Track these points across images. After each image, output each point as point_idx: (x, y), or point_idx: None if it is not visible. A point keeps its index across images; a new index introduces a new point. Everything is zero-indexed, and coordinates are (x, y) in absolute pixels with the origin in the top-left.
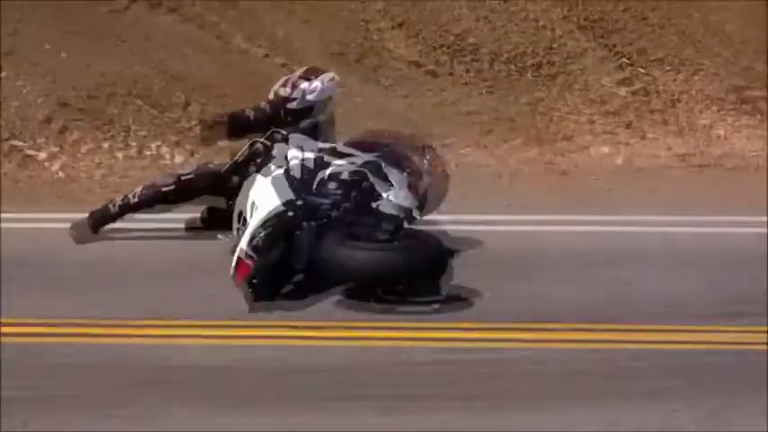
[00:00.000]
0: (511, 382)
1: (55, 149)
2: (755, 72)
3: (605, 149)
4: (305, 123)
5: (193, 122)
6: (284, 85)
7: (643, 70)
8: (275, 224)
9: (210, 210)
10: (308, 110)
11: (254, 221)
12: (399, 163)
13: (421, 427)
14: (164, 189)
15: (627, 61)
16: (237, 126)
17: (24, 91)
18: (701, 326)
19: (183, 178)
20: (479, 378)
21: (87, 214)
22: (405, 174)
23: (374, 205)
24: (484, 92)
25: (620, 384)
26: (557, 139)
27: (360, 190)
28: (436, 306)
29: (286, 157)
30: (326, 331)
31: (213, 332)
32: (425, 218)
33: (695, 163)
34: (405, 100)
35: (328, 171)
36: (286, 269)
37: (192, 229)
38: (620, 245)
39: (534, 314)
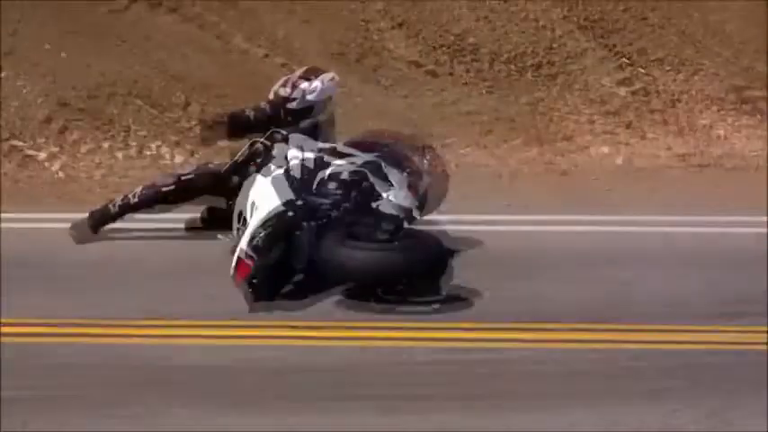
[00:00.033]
0: (511, 382)
1: (55, 149)
2: (755, 72)
3: (605, 149)
4: (305, 123)
5: (193, 122)
6: (284, 85)
7: (643, 70)
8: (275, 224)
9: (210, 210)
10: (307, 110)
11: (254, 221)
12: (399, 163)
13: (421, 427)
14: (164, 189)
15: (627, 61)
16: (237, 126)
17: (24, 91)
18: (701, 326)
19: (182, 178)
20: (479, 378)
21: (87, 214)
22: (405, 174)
23: (374, 205)
24: (484, 92)
25: (620, 384)
26: (557, 139)
27: (360, 190)
28: (436, 306)
29: (286, 157)
30: (326, 331)
31: (213, 332)
32: (425, 218)
33: (695, 163)
34: (405, 100)
35: (328, 171)
36: (286, 269)
37: (192, 229)
38: (620, 245)
39: (534, 314)
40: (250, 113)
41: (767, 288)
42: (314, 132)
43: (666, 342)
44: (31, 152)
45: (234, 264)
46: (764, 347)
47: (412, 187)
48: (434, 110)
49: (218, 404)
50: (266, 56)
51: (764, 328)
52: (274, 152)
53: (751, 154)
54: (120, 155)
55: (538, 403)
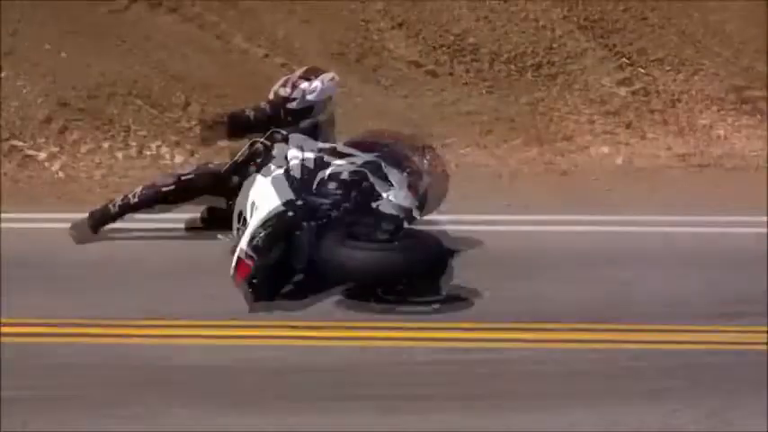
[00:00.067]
0: (511, 382)
1: (55, 149)
2: (755, 72)
3: (605, 149)
4: (305, 123)
5: (193, 122)
6: (284, 85)
7: (643, 70)
8: (275, 224)
9: (210, 210)
10: (308, 110)
11: (254, 221)
12: (399, 163)
13: (421, 427)
14: (164, 189)
15: (627, 61)
16: (237, 126)
17: (24, 91)
18: (701, 326)
19: (183, 178)
20: (479, 378)
21: (87, 214)
22: (405, 174)
23: (374, 205)
24: (484, 92)
25: (620, 384)
26: (557, 139)
27: (360, 190)
28: (436, 306)
29: (286, 157)
30: (326, 331)
31: (213, 332)
32: (425, 218)
33: (695, 163)
34: (405, 100)
35: (328, 171)
36: (286, 269)
37: (192, 229)
38: (620, 245)
39: (534, 314)
40: (250, 113)
41: (767, 288)
42: (314, 132)
43: (666, 342)
44: (31, 152)
45: (234, 264)
46: (764, 347)
47: (412, 187)
48: (434, 110)
49: (218, 404)
50: (266, 56)
51: (764, 328)
52: (274, 152)
53: (751, 154)
54: (120, 155)
55: (538, 403)
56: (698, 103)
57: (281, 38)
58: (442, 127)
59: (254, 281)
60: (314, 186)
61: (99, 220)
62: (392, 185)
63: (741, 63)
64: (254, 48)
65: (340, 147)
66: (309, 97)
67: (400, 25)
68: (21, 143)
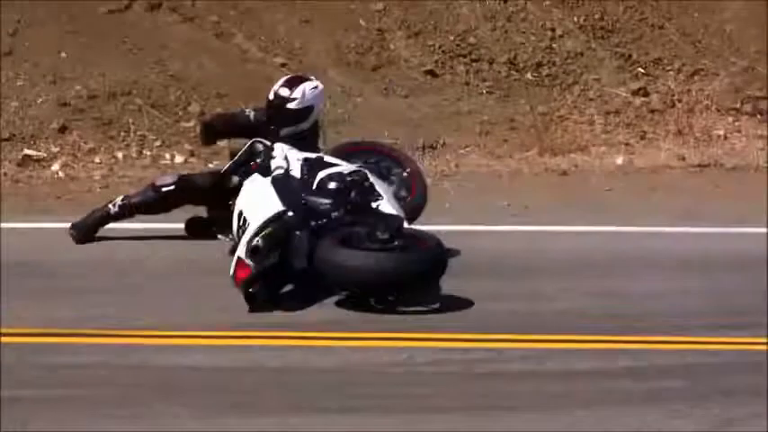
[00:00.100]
0: (511, 383)
1: (55, 149)
2: (756, 72)
3: (605, 149)
4: (305, 125)
5: (193, 122)
6: (285, 86)
7: (643, 70)
8: (275, 225)
9: (192, 220)
10: (307, 110)
11: (254, 222)
12: (383, 175)
13: (421, 428)
14: (164, 189)
15: (627, 61)
16: (211, 132)
17: (24, 91)
18: (701, 326)
19: (160, 189)
20: (479, 378)
21: (87, 214)
22: (391, 185)
23: (374, 205)
24: (484, 92)
25: (620, 385)
26: (556, 140)
27: (360, 190)
28: (436, 305)
29: (286, 158)
30: (326, 332)
31: (213, 333)
32: (424, 219)
33: (695, 163)
34: (405, 100)
35: (328, 171)
36: (286, 270)
37: (191, 229)
38: (620, 245)
39: (534, 314)
40: (250, 113)
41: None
42: (314, 134)
43: (667, 342)
44: (30, 152)
45: (234, 264)
46: (764, 347)
47: (413, 180)
48: (434, 110)
49: (218, 404)
50: (266, 56)
51: (764, 328)
52: (274, 152)
53: (751, 154)
54: (120, 155)
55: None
56: (698, 103)
57: (281, 38)
58: (442, 127)
59: (254, 282)
60: (314, 186)
61: (99, 221)
62: (380, 196)
63: (741, 63)
64: (253, 48)
65: (326, 157)
66: (290, 106)
67: (401, 26)
68: (21, 143)
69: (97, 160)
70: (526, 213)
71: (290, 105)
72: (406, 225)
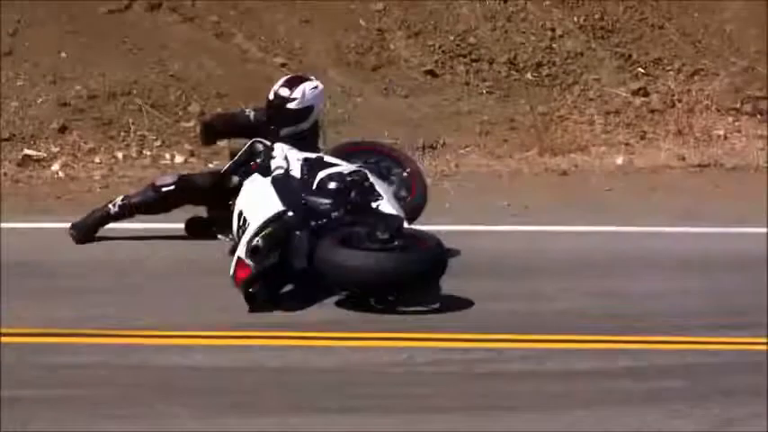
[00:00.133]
0: (511, 383)
1: (55, 149)
2: (756, 72)
3: (605, 149)
4: (305, 125)
5: (193, 122)
6: (285, 86)
7: (643, 70)
8: (275, 225)
9: (192, 220)
10: (307, 110)
11: (254, 222)
12: (383, 175)
13: (421, 428)
14: (164, 189)
15: (627, 61)
16: (211, 133)
17: (24, 91)
18: (700, 326)
19: (160, 189)
20: (479, 378)
21: (87, 214)
22: (391, 185)
23: (374, 205)
24: (484, 92)
25: (620, 385)
26: (556, 140)
27: (360, 190)
28: (436, 305)
29: (286, 158)
30: (326, 332)
31: (213, 333)
32: (424, 219)
33: (695, 163)
34: (405, 100)
35: (328, 171)
36: (286, 270)
37: (191, 229)
38: (620, 245)
39: (534, 314)
40: (250, 113)
41: (767, 288)
42: (314, 134)
43: (667, 342)
44: (30, 152)
45: (234, 264)
46: (764, 347)
47: (413, 180)
48: (434, 110)
49: (218, 404)
50: (266, 56)
51: (765, 327)
52: (274, 152)
53: (751, 154)
54: (120, 155)
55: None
56: (698, 103)
57: (281, 38)
58: (442, 127)
59: (254, 282)
60: (314, 186)
61: (99, 221)
62: (380, 196)
63: (741, 63)
64: (253, 48)
65: (326, 157)
66: (290, 106)
67: (401, 25)
68: (21, 143)
69: (97, 160)
70: (526, 213)
71: (290, 105)
72: (405, 225)
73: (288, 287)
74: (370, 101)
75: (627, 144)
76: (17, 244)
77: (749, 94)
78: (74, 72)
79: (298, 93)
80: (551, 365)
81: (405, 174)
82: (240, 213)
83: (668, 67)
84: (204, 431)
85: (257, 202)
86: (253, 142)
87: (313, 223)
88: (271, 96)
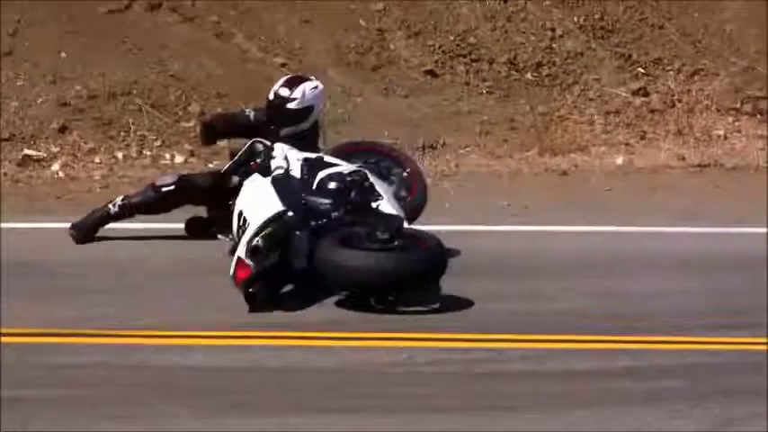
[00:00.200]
0: (511, 383)
1: (55, 149)
2: (756, 72)
3: (605, 149)
4: (306, 125)
5: (193, 122)
6: (285, 86)
7: (643, 70)
8: (275, 225)
9: (192, 220)
10: (307, 110)
11: (254, 222)
12: (383, 175)
13: (421, 428)
14: (164, 189)
15: (627, 61)
16: (211, 133)
17: (24, 91)
18: (700, 326)
19: (160, 189)
20: (479, 378)
21: (87, 214)
22: (391, 185)
23: (374, 205)
24: (484, 92)
25: (620, 385)
26: (556, 140)
27: (360, 190)
28: (436, 305)
29: (286, 158)
30: (326, 332)
31: (213, 333)
32: (424, 219)
33: (695, 163)
34: (405, 100)
35: (328, 171)
36: (286, 269)
37: (191, 229)
38: (620, 245)
39: (534, 314)
40: (250, 113)
41: (767, 288)
42: (314, 134)
43: (667, 342)
44: (30, 152)
45: (234, 264)
46: (764, 347)
47: (413, 180)
48: (434, 110)
49: (218, 404)
50: (266, 56)
51: (765, 327)
52: (274, 152)
53: (751, 154)
54: (120, 155)
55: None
56: (698, 103)
57: (281, 38)
58: (442, 127)
59: (254, 281)
60: (314, 186)
61: (99, 221)
62: (380, 196)
63: (741, 63)
64: (253, 48)
65: (326, 157)
66: (290, 105)
67: (401, 26)
68: (21, 143)
69: (97, 160)
70: (526, 213)
71: (290, 105)
72: (405, 225)
73: (288, 287)
74: (370, 101)
75: (627, 144)
76: (17, 244)
77: (749, 94)
78: (74, 72)
79: (298, 93)
80: (551, 365)
81: (405, 174)
82: (240, 213)
83: (668, 67)
84: (204, 431)
85: (257, 202)
86: (253, 142)
87: (313, 223)
88: (271, 96)
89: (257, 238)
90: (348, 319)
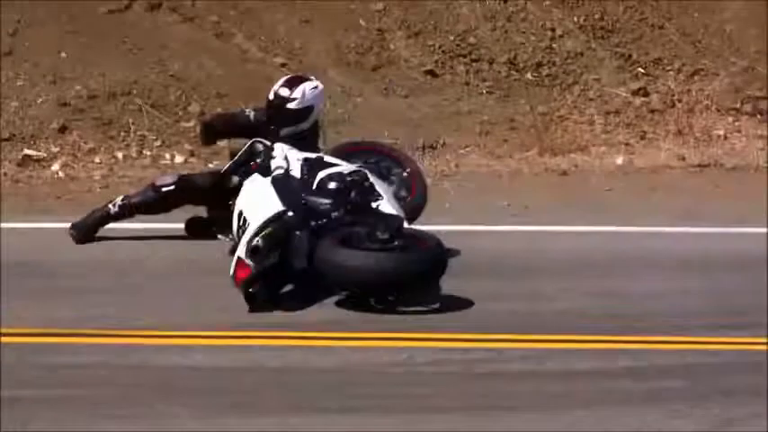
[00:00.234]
0: (511, 383)
1: (55, 149)
2: (756, 72)
3: (605, 149)
4: (305, 125)
5: (193, 122)
6: (285, 86)
7: (643, 70)
8: (275, 225)
9: (192, 220)
10: (307, 110)
11: (254, 222)
12: (383, 175)
13: (421, 428)
14: (164, 189)
15: (627, 61)
16: (211, 132)
17: (24, 91)
18: (700, 326)
19: (160, 189)
20: (479, 378)
21: (87, 214)
22: (392, 184)
23: (374, 205)
24: (484, 92)
25: (620, 385)
26: (556, 140)
27: (360, 190)
28: (436, 305)
29: (286, 158)
30: (326, 332)
31: (213, 334)
32: (424, 219)
33: (695, 163)
34: (405, 100)
35: (328, 171)
36: (286, 270)
37: (191, 229)
38: (620, 245)
39: (534, 314)
40: (250, 113)
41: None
42: (314, 134)
43: (667, 342)
44: (30, 152)
45: (233, 264)
46: (764, 347)
47: (413, 180)
48: (434, 110)
49: (218, 404)
50: (266, 56)
51: (765, 328)
52: (274, 152)
53: (751, 154)
54: (120, 155)
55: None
56: (698, 103)
57: (281, 38)
58: (442, 127)
59: (254, 281)
60: (314, 186)
61: (99, 221)
62: (380, 196)
63: (741, 63)
64: (253, 48)
65: (326, 157)
66: (290, 105)
67: (401, 26)
68: (21, 143)
69: (97, 160)
70: (526, 213)
71: (291, 105)
72: (406, 225)
73: (288, 287)
74: (370, 101)
75: (627, 144)
76: (17, 244)
77: (749, 94)
78: (74, 72)
79: (298, 93)
80: (551, 365)
81: (405, 174)
82: (240, 213)
83: (668, 67)
84: (204, 431)
85: (257, 202)
86: (253, 142)
87: (313, 223)
88: (271, 96)
89: (257, 238)
90: (348, 319)
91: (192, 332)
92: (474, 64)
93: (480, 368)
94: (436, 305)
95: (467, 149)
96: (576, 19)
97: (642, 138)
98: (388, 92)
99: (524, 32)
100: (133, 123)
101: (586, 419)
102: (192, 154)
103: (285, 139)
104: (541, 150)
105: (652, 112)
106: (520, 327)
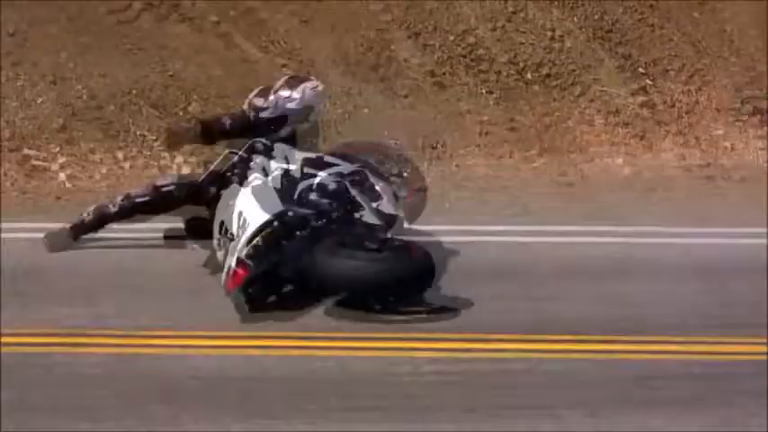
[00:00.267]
0: (511, 383)
1: (55, 150)
2: (756, 72)
3: (612, 159)
4: (282, 132)
5: (193, 122)
6: (259, 95)
7: (643, 71)
8: (267, 234)
9: (193, 219)
10: (281, 119)
11: (246, 231)
12: (383, 174)
13: (421, 428)
14: (138, 200)
15: (627, 61)
16: (211, 133)
17: (24, 91)
18: (701, 326)
19: (160, 189)
20: (481, 385)
21: (77, 218)
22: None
23: (357, 215)
24: (484, 92)
25: (620, 385)
26: (562, 148)
27: (349, 199)
28: (436, 305)
29: (264, 168)
30: (326, 333)
31: (214, 342)
32: (423, 224)
33: (703, 173)
34: (405, 100)
35: (316, 181)
36: (279, 278)
37: (171, 237)
38: (627, 255)
39: (534, 314)
40: (226, 121)
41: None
42: (292, 141)
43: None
44: (30, 152)
45: (225, 273)
46: (764, 347)
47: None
48: (434, 110)
49: (224, 412)
50: (266, 56)
51: (765, 328)
52: (253, 163)
53: (751, 154)
54: (120, 155)
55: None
56: (698, 103)
57: (282, 38)
58: (444, 129)
59: (248, 290)
60: (296, 196)
61: (77, 230)
62: (380, 196)
63: (741, 63)
64: (254, 48)
65: (326, 157)
66: (289, 105)
67: (402, 27)
68: (21, 144)
69: (97, 160)
70: (526, 213)
71: (290, 105)
72: (404, 225)
73: (288, 287)
74: (371, 102)
75: (627, 144)
76: (17, 245)
77: (749, 94)
78: (74, 72)
79: (298, 93)
80: (551, 365)
81: (404, 174)
82: (240, 213)
83: (668, 68)
84: None
85: (246, 211)
86: (253, 142)
87: (304, 232)
88: (261, 99)
89: (257, 238)
90: (347, 326)
91: (192, 332)
92: (474, 64)
93: (480, 368)
94: (436, 305)
95: (467, 149)
96: (575, 19)
97: (642, 138)
98: (389, 92)
99: (524, 33)
100: (133, 123)
101: (587, 419)
102: (191, 154)
103: (285, 140)
104: (541, 150)
105: (652, 112)
106: (520, 327)
